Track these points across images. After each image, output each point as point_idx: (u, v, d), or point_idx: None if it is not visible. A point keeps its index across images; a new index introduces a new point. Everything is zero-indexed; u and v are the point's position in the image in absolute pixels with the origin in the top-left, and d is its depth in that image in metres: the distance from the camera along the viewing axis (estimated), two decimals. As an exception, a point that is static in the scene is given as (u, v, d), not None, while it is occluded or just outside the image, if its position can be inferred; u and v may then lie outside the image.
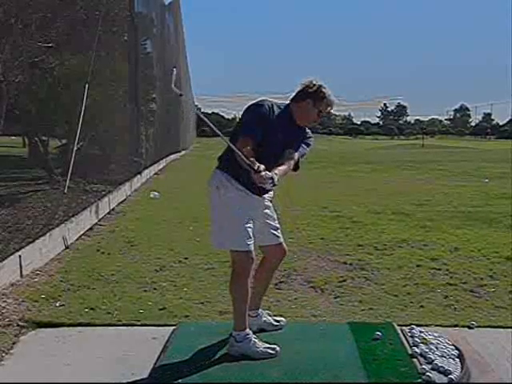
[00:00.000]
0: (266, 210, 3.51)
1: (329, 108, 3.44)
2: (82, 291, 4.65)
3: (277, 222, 3.59)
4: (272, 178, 3.05)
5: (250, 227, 3.29)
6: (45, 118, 7.96)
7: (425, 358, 3.25)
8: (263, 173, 3.01)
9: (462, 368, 3.16)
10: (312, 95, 3.36)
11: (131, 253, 6.03)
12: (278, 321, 3.76)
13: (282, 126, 3.30)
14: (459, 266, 5.42)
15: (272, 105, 3.36)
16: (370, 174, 17.13)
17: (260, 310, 3.71)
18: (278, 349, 3.31)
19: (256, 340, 3.32)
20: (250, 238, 3.28)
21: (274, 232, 3.55)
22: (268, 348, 3.30)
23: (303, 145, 3.42)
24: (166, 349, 3.42)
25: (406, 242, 6.51)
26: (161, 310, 4.19)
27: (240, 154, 3.04)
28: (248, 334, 3.31)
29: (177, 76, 3.37)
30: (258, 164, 3.01)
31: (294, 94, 3.45)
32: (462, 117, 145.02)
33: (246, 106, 3.37)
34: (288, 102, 3.46)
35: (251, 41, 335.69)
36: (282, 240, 3.60)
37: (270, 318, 3.75)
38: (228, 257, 5.47)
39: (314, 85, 3.37)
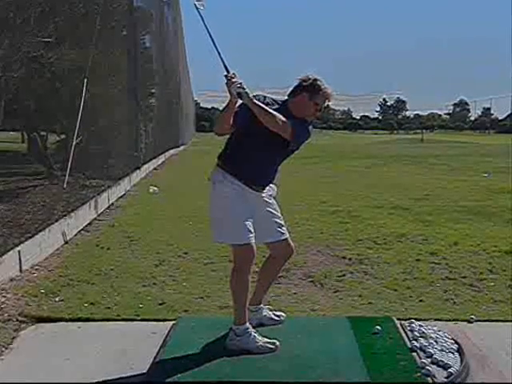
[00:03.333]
0: (269, 208, 3.50)
1: (326, 101, 3.44)
2: (81, 286, 4.65)
3: (281, 219, 3.58)
4: (240, 83, 3.14)
5: (249, 221, 3.29)
6: (44, 113, 7.95)
7: (424, 352, 3.26)
8: (235, 77, 3.15)
9: (461, 362, 3.16)
10: (307, 88, 3.36)
11: (130, 248, 6.03)
12: (277, 315, 3.76)
13: None
14: (459, 261, 5.42)
15: (264, 97, 3.39)
16: (370, 168, 17.11)
17: (260, 304, 3.71)
18: (277, 343, 3.32)
19: (256, 334, 3.32)
20: (250, 231, 3.28)
21: (279, 229, 3.54)
22: (268, 343, 3.30)
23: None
24: (165, 343, 3.42)
25: (406, 236, 6.51)
26: (160, 304, 4.19)
27: (219, 54, 3.18)
28: (248, 328, 3.31)
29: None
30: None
31: (290, 89, 3.45)
32: (461, 111, 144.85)
33: None
34: (286, 97, 3.46)
35: (250, 37, 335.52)
36: (287, 237, 3.58)
37: (269, 312, 3.76)
38: (227, 251, 5.48)
39: (309, 78, 3.38)
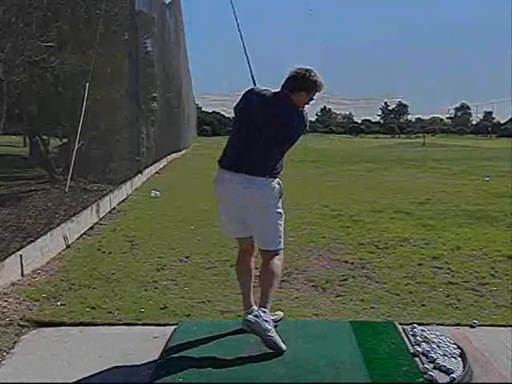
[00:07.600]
0: None
1: (318, 91, 3.62)
2: (82, 290, 4.65)
3: None
4: None
5: None
6: (46, 117, 7.95)
7: (427, 356, 3.25)
8: None
9: (463, 367, 3.15)
10: (307, 87, 3.50)
11: (132, 252, 6.03)
12: (275, 314, 3.73)
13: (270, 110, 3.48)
14: (461, 265, 5.41)
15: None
16: (371, 172, 17.11)
17: (253, 306, 3.64)
18: (284, 348, 3.29)
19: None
20: None
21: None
22: (280, 341, 3.30)
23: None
24: (167, 348, 3.41)
25: (408, 240, 6.50)
26: (162, 309, 4.18)
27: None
28: (270, 321, 3.33)
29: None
30: None
31: (286, 81, 3.52)
32: (462, 115, 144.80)
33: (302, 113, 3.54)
34: (278, 89, 3.54)
35: (250, 37, 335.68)
36: None
37: None
38: (228, 256, 5.49)
39: (310, 75, 3.49)
